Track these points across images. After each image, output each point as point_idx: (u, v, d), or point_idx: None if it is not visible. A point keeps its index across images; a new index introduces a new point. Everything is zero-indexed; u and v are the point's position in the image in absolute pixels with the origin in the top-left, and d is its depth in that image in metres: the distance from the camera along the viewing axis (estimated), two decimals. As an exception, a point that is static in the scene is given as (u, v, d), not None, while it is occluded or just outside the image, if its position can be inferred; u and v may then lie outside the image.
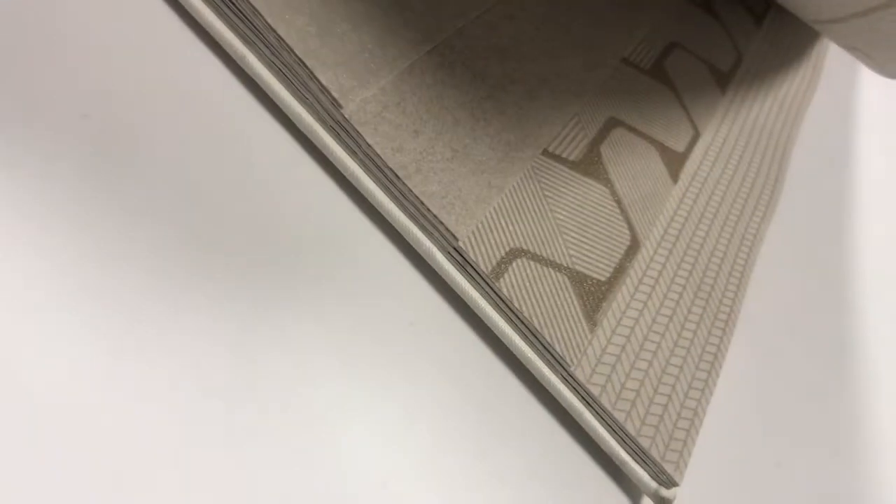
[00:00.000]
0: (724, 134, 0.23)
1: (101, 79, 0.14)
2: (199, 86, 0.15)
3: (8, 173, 0.13)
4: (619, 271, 0.17)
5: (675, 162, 0.20)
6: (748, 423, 0.20)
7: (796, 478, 0.21)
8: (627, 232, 0.18)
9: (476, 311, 0.16)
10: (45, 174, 0.13)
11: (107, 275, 0.13)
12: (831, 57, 0.33)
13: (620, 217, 0.18)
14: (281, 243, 0.15)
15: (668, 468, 0.15)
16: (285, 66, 0.15)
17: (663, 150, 0.20)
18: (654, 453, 0.15)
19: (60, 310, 0.12)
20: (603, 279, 0.17)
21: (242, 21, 0.15)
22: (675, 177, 0.20)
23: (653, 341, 0.17)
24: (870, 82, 0.34)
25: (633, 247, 0.18)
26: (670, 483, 0.15)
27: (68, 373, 0.12)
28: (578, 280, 0.16)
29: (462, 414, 0.15)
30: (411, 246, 0.16)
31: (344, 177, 0.16)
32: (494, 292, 0.15)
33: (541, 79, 0.18)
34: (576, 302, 0.16)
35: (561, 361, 0.15)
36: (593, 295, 0.16)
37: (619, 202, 0.18)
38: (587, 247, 0.17)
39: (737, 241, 0.21)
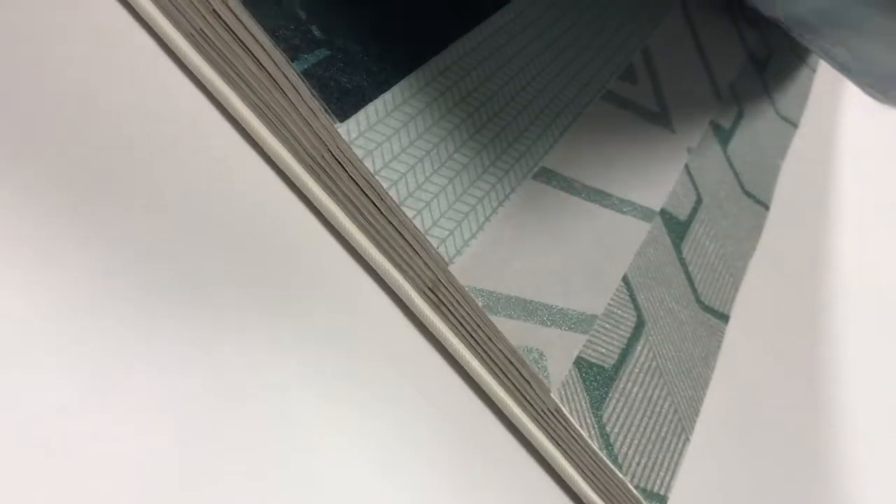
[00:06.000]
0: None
1: (83, 113, 0.14)
2: (181, 120, 0.16)
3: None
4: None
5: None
6: (728, 450, 0.21)
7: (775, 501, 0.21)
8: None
9: (449, 349, 0.16)
10: (23, 207, 0.13)
11: (84, 306, 0.13)
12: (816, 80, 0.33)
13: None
14: (260, 277, 0.15)
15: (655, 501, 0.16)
16: (265, 105, 0.15)
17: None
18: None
19: (37, 344, 0.12)
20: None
21: (224, 61, 0.15)
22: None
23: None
24: (853, 107, 0.34)
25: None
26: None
27: (50, 404, 0.12)
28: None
29: (440, 453, 0.15)
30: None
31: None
32: (469, 334, 0.16)
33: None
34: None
35: (533, 403, 0.16)
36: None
37: None
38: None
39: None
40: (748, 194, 0.25)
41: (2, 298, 0.12)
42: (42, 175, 0.13)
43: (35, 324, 0.12)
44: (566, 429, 0.16)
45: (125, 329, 0.13)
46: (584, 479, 0.16)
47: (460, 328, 0.16)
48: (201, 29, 0.15)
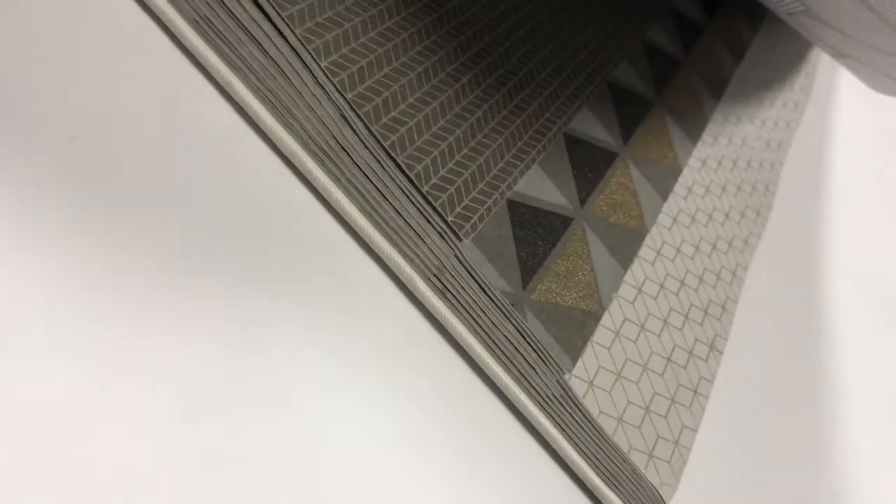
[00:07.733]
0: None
1: (89, 100, 0.14)
2: (186, 107, 0.16)
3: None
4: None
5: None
6: (729, 446, 0.21)
7: (772, 497, 0.21)
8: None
9: (454, 335, 0.16)
10: (32, 196, 0.13)
11: (94, 294, 0.13)
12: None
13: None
14: (263, 264, 0.15)
15: (662, 490, 0.16)
16: (270, 92, 0.15)
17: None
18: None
19: (48, 332, 0.12)
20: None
21: (229, 48, 0.15)
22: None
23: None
24: (849, 100, 0.34)
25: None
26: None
27: (57, 390, 0.12)
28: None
29: (445, 438, 0.15)
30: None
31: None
32: (475, 321, 0.16)
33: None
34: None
35: (538, 389, 0.16)
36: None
37: None
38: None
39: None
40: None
41: (18, 285, 0.12)
42: (45, 162, 0.14)
43: (42, 308, 0.12)
44: (571, 414, 0.16)
45: (130, 310, 0.13)
46: (588, 464, 0.16)
47: (465, 315, 0.16)
48: (205, 16, 0.15)
